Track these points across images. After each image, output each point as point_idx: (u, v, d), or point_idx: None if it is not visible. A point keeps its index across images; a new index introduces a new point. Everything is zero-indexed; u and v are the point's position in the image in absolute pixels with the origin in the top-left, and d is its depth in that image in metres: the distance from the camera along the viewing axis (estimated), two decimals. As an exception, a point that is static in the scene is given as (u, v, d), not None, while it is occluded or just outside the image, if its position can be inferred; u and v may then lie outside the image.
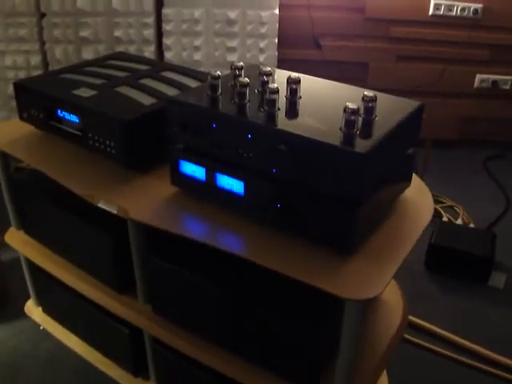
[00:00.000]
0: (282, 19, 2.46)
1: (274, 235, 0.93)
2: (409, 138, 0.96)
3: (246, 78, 0.91)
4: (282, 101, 0.91)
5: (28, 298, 1.56)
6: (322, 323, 0.89)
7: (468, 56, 2.66)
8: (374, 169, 0.83)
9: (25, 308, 1.56)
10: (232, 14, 2.36)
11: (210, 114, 0.91)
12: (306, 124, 0.86)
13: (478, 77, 2.71)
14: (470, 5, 2.53)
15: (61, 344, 1.46)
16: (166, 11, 2.35)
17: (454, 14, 2.55)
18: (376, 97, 0.88)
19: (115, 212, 0.99)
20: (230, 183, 0.94)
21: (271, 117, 0.88)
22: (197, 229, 0.96)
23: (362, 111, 0.86)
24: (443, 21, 2.58)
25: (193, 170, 0.98)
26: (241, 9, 2.34)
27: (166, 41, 2.40)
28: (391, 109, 0.93)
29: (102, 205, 1.01)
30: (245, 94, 0.91)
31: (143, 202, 1.02)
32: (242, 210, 0.96)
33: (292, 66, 2.21)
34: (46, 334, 1.51)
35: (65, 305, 1.41)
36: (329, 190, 0.83)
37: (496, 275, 1.87)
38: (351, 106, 0.82)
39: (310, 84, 1.01)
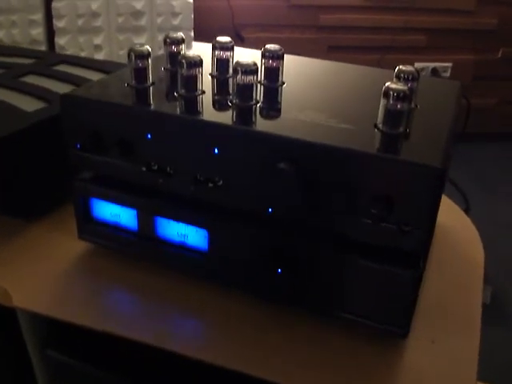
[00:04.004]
0: (197, 9, 2.07)
1: (268, 318, 0.56)
2: (454, 133, 0.62)
3: (197, 54, 0.53)
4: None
5: None
6: None
7: (405, 43, 2.41)
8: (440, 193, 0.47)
9: None
10: (138, 5, 1.94)
11: (140, 115, 0.52)
12: (314, 122, 0.49)
13: (417, 65, 2.47)
14: (405, -15, 2.29)
15: None
16: (56, 4, 1.90)
17: (387, -4, 2.29)
18: (419, 72, 0.53)
19: (-13, 296, 0.58)
20: (182, 233, 0.55)
21: (249, 114, 0.51)
22: (126, 316, 0.57)
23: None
24: (376, 5, 2.32)
25: (114, 213, 0.58)
26: (148, -3, 1.93)
27: (59, 40, 1.94)
28: (428, 93, 0.58)
29: (-37, 283, 0.59)
30: (197, 78, 0.53)
31: (35, 273, 0.61)
32: (204, 276, 0.57)
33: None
34: None
35: None
36: (371, 239, 0.46)
37: (482, 289, 1.60)
38: (397, 86, 0.46)
39: (287, 64, 0.63)
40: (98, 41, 1.99)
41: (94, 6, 1.94)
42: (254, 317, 0.56)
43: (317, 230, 0.49)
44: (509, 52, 2.47)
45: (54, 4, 1.90)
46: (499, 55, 2.48)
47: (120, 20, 1.97)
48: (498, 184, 2.29)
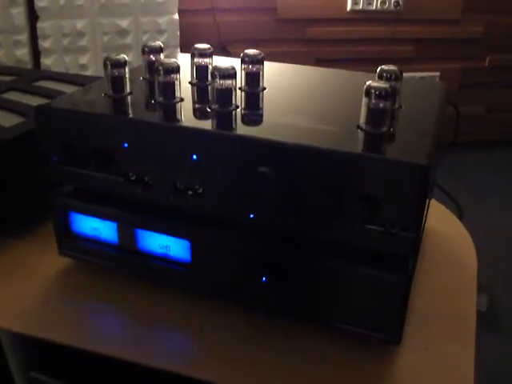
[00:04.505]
0: (182, 26, 2.08)
1: (255, 329, 0.54)
2: (440, 136, 0.60)
3: (174, 59, 0.52)
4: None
5: None
6: None
7: (392, 54, 2.41)
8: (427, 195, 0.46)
9: None
10: (123, 23, 1.95)
11: (116, 124, 0.50)
12: (296, 125, 0.47)
13: (405, 75, 2.46)
14: (390, -4, 2.30)
15: None
16: (41, 25, 1.91)
17: (373, 8, 2.30)
18: (402, 72, 0.52)
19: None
20: (164, 244, 0.54)
21: (229, 119, 0.50)
22: (110, 334, 0.55)
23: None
24: (363, 16, 2.33)
25: (94, 227, 0.57)
26: (133, 16, 1.94)
27: (45, 61, 1.95)
28: (413, 94, 0.57)
29: None
30: (174, 84, 0.52)
31: (15, 292, 0.59)
32: (189, 288, 0.55)
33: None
34: None
35: None
36: (358, 242, 0.45)
37: (478, 297, 1.58)
38: (378, 84, 0.45)
39: (268, 70, 0.62)
40: (83, 60, 1.99)
41: (79, 26, 1.94)
42: (241, 329, 0.54)
43: (301, 235, 0.47)
44: (496, 60, 2.47)
45: (39, 24, 1.90)
46: (486, 63, 2.48)
47: (105, 39, 1.98)
48: (489, 192, 2.28)
